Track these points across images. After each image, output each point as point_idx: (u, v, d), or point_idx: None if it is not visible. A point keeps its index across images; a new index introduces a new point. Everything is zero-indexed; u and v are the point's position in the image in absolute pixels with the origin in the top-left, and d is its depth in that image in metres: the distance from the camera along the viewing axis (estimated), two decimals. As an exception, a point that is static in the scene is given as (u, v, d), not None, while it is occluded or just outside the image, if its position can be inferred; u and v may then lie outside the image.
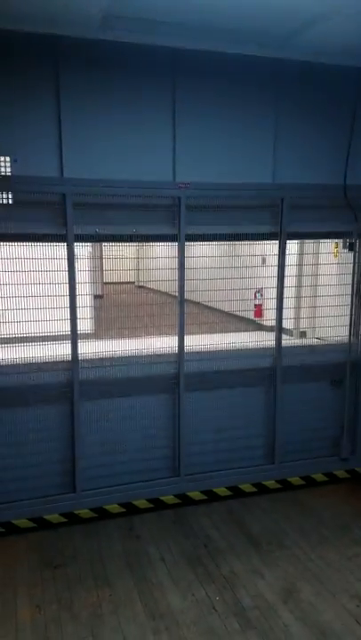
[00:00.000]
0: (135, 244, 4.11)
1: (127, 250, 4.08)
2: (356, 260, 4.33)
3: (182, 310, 3.92)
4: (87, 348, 3.79)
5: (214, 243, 4.16)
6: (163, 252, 4.01)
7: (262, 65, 3.81)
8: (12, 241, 3.52)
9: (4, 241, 3.51)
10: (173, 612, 2.99)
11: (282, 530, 3.83)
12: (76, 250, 3.63)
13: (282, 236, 4.08)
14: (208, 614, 2.99)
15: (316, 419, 4.46)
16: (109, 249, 3.93)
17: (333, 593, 3.19)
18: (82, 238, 3.67)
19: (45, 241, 3.59)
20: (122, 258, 3.91)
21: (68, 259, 3.59)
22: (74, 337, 3.69)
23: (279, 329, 4.23)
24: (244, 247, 4.19)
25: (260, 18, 3.14)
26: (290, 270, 4.23)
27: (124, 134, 3.68)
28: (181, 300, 3.91)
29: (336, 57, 3.80)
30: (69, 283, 3.62)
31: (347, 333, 4.41)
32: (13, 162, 3.42)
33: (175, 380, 4.01)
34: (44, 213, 3.53)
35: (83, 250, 3.86)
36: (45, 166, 3.52)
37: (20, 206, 3.47)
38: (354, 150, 4.15)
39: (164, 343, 3.99)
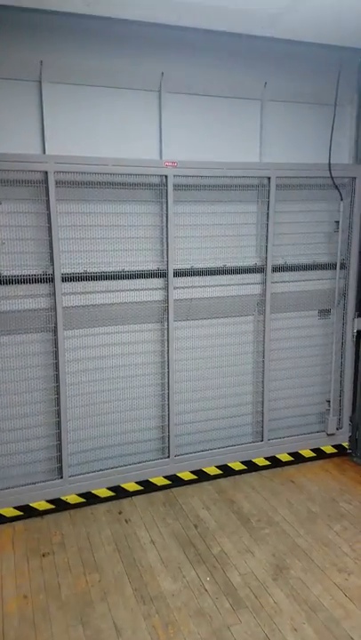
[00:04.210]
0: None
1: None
2: (340, 239, 4.26)
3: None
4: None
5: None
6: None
7: (250, 43, 3.67)
8: None
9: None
10: (164, 595, 2.98)
11: (271, 507, 3.84)
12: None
13: (269, 215, 3.99)
14: (199, 595, 2.98)
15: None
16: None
17: (322, 568, 3.22)
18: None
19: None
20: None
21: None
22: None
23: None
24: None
25: None
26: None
27: (109, 112, 3.54)
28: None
29: (321, 36, 3.65)
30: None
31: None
32: None
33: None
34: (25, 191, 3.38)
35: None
36: (27, 144, 3.38)
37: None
38: (337, 128, 4.11)
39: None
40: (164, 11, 3.15)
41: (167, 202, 3.70)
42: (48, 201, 3.41)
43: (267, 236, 4.05)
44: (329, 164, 4.07)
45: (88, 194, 3.55)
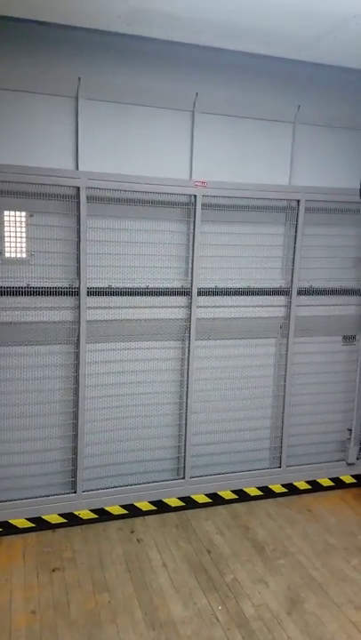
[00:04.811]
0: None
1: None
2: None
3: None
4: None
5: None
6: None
7: (284, 65, 3.71)
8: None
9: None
10: (174, 622, 2.90)
11: (287, 536, 3.73)
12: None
13: (297, 238, 3.99)
14: (210, 625, 2.89)
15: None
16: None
17: (338, 604, 3.09)
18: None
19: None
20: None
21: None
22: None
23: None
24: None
25: (285, 18, 2.96)
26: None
27: (142, 129, 3.62)
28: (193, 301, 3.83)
29: (357, 61, 3.64)
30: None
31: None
32: None
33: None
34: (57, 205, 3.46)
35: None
36: (60, 158, 3.46)
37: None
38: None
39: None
40: (204, 32, 3.18)
41: (195, 221, 3.73)
42: (79, 216, 3.47)
43: (293, 259, 4.03)
44: (360, 189, 4.05)
45: (117, 210, 3.61)
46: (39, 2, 2.82)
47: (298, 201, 3.95)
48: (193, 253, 3.77)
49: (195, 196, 3.69)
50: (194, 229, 3.74)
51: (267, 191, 3.85)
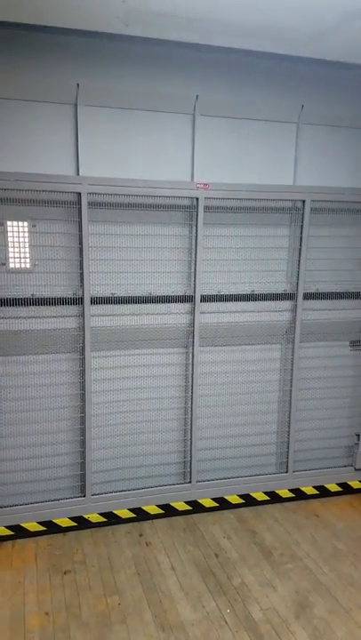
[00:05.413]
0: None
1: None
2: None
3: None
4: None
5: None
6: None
7: (287, 65, 3.71)
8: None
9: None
10: (183, 624, 2.94)
11: (294, 541, 3.76)
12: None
13: (303, 239, 3.97)
14: (219, 628, 2.93)
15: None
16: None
17: (347, 609, 3.11)
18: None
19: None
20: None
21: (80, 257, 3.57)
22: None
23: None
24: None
25: (288, 15, 2.94)
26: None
27: (142, 134, 3.63)
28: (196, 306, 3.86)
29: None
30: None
31: None
32: None
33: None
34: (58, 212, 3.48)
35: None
36: (61, 165, 3.49)
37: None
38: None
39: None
40: (203, 31, 3.12)
41: (197, 224, 3.70)
42: (80, 222, 3.46)
43: (299, 262, 3.99)
44: None
45: (119, 215, 3.59)
46: (37, 4, 2.82)
47: (303, 201, 3.89)
48: (196, 257, 3.75)
49: (197, 198, 3.66)
50: (197, 233, 3.72)
51: (271, 192, 3.81)
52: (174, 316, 3.86)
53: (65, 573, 3.33)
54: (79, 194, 3.43)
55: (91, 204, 3.49)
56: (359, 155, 4.11)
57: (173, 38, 3.27)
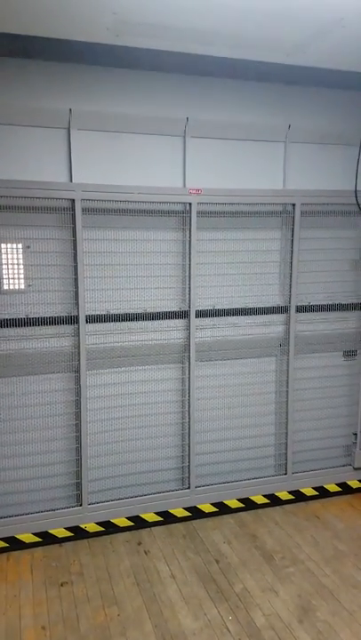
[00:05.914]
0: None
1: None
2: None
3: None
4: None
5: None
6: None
7: (275, 85, 3.78)
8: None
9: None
10: (185, 634, 2.86)
11: (295, 543, 3.70)
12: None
13: (294, 243, 4.00)
14: (221, 636, 2.86)
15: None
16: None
17: (350, 611, 3.06)
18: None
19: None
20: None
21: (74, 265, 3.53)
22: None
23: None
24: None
25: (272, 25, 2.97)
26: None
27: (134, 141, 3.64)
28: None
29: (349, 64, 3.65)
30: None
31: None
32: None
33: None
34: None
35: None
36: (55, 172, 3.48)
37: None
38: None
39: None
40: (190, 41, 3.12)
41: (191, 229, 3.71)
42: (74, 228, 3.46)
43: (291, 275, 4.02)
44: (355, 191, 4.05)
45: (112, 233, 3.61)
46: (26, 15, 2.81)
47: (293, 205, 3.92)
48: (190, 261, 3.75)
49: (190, 203, 3.66)
50: (190, 237, 3.73)
51: (262, 196, 3.86)
52: (170, 332, 3.84)
53: (62, 585, 3.24)
54: (73, 200, 3.44)
55: (85, 221, 3.50)
56: (346, 170, 4.16)
57: (163, 48, 3.27)
